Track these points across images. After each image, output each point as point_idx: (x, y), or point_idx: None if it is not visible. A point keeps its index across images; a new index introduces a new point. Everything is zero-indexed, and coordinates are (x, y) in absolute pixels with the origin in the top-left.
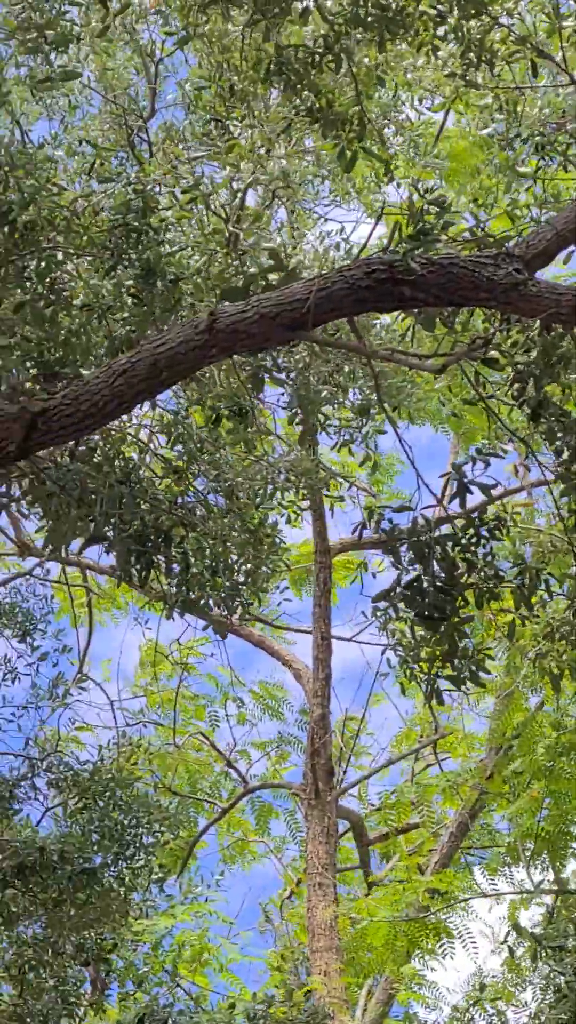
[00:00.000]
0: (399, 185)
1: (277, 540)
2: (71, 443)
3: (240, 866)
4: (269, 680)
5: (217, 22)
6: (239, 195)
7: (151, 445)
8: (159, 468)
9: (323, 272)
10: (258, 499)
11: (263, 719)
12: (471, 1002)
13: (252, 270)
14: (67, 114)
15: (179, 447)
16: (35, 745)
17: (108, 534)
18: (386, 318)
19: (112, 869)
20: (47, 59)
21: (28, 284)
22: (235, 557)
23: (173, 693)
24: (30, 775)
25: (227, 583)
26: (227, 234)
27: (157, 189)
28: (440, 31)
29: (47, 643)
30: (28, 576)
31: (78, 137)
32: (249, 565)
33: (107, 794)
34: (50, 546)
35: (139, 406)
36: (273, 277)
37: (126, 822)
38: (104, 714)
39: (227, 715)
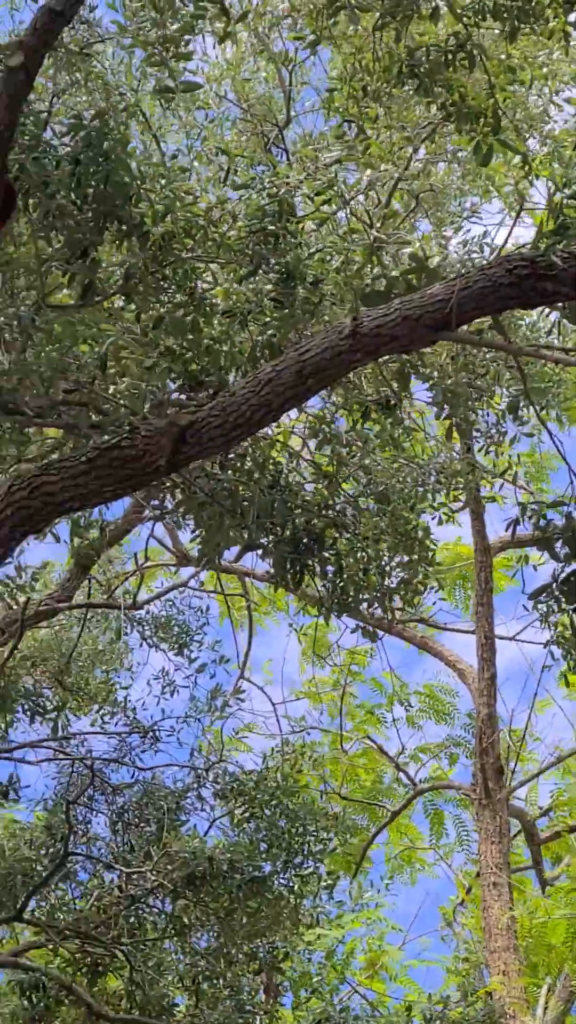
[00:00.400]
0: (536, 177)
1: (429, 542)
2: (221, 454)
3: (409, 874)
4: (434, 682)
5: (347, 25)
6: (374, 194)
7: (301, 450)
8: (309, 472)
9: (465, 271)
10: (411, 502)
11: (430, 722)
12: None
13: (393, 272)
14: (204, 128)
15: (326, 448)
16: (199, 754)
17: (261, 541)
18: (530, 316)
19: (281, 877)
20: (171, 72)
21: (168, 295)
22: (387, 557)
23: (337, 698)
24: (195, 786)
25: (380, 584)
26: (367, 236)
27: (293, 193)
28: (572, 17)
29: (204, 655)
30: (183, 588)
31: (214, 148)
32: (402, 568)
33: (273, 802)
34: (204, 556)
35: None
36: (414, 279)
37: (293, 829)
38: (269, 720)
39: (394, 719)
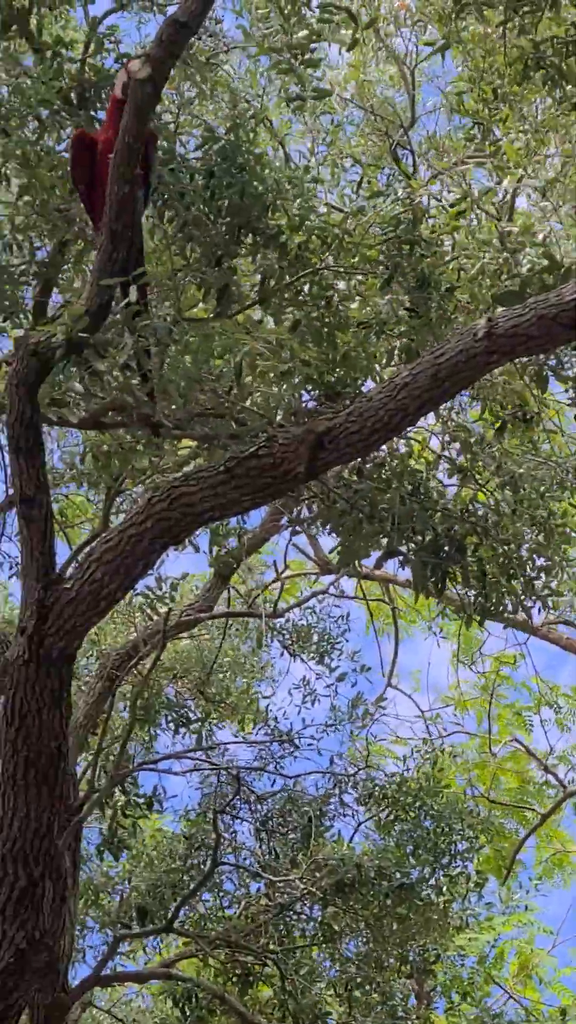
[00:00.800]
0: None
1: (568, 531)
2: (358, 460)
3: (561, 878)
4: None
5: (474, 25)
6: (509, 196)
7: (439, 457)
8: (449, 476)
9: None
10: (544, 490)
11: None
12: None
13: (526, 272)
14: (329, 132)
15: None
16: (341, 760)
17: (401, 548)
18: None
19: (429, 880)
20: (300, 79)
21: (304, 306)
22: (525, 556)
23: (484, 702)
24: (338, 792)
25: (522, 586)
26: (500, 238)
27: (425, 200)
28: None
29: (345, 663)
30: (323, 595)
31: (341, 151)
32: (542, 561)
33: (417, 803)
34: (343, 563)
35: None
36: (549, 277)
37: (438, 830)
38: (416, 726)
39: (542, 721)
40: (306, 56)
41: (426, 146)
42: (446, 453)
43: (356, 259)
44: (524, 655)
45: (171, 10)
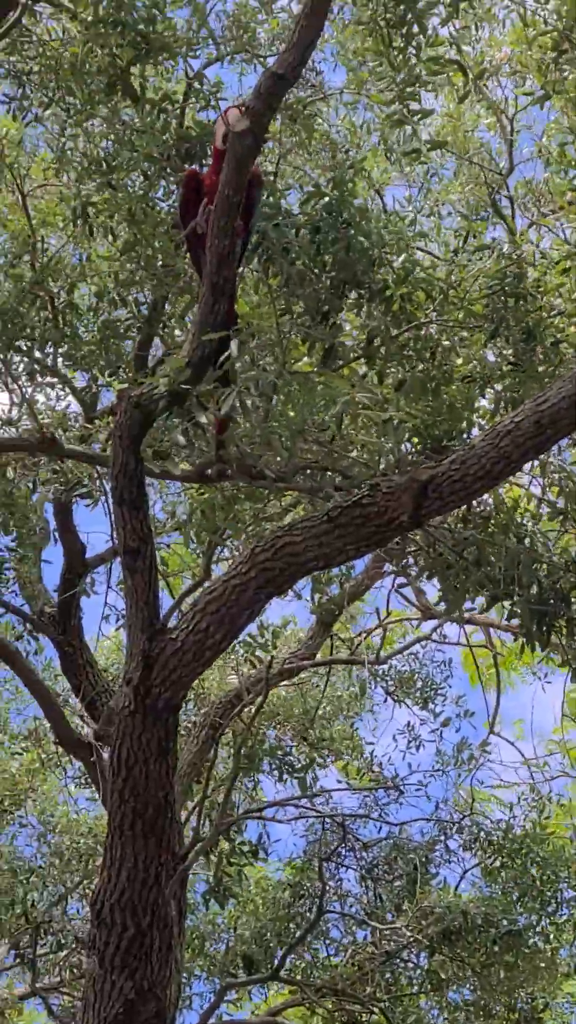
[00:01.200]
0: None
1: None
2: (463, 508)
3: None
4: None
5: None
6: None
7: (541, 497)
8: (553, 524)
9: None
10: None
11: None
12: None
13: None
14: (424, 181)
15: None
16: (447, 806)
17: (506, 598)
18: None
19: (536, 927)
20: (414, 131)
21: (408, 360)
22: None
23: None
24: (443, 839)
25: None
26: None
27: (528, 251)
28: None
29: (449, 708)
30: (427, 640)
31: (438, 200)
32: None
33: (523, 851)
34: (449, 611)
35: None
36: None
37: (544, 877)
38: (521, 771)
39: None
40: (419, 107)
41: (524, 192)
42: (547, 497)
43: (460, 313)
44: None
45: (271, 61)
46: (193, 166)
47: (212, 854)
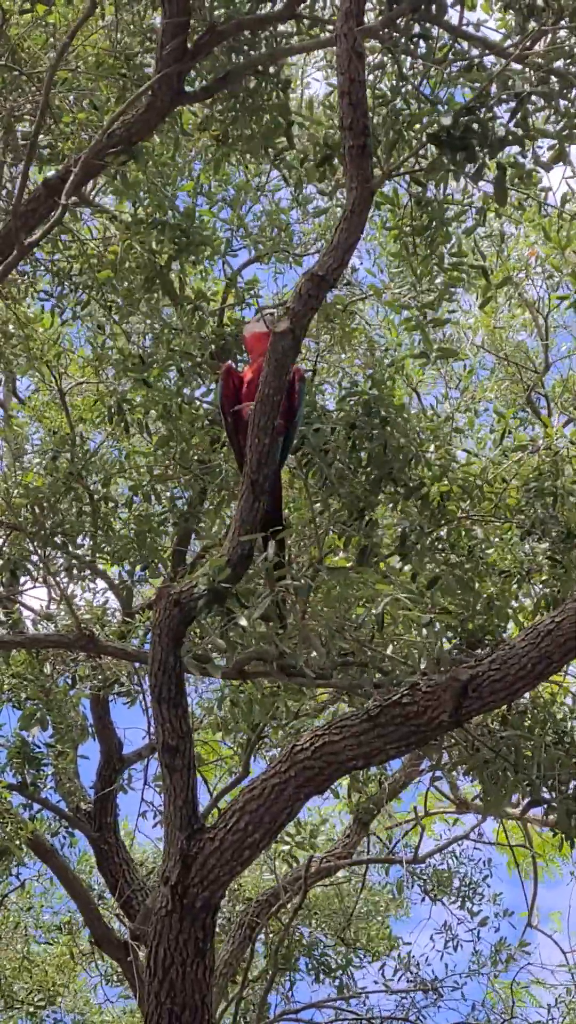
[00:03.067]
0: None
1: None
2: (503, 707)
3: None
4: None
5: None
6: None
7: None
8: None
9: None
10: None
11: None
12: None
13: None
14: (462, 378)
15: None
16: (483, 1008)
17: (545, 796)
18: None
19: None
20: (425, 336)
21: (444, 555)
22: None
23: None
24: None
25: None
26: None
27: (565, 447)
28: None
29: (487, 907)
30: (465, 839)
31: (474, 397)
32: None
33: None
34: (488, 811)
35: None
36: None
37: None
38: (559, 972)
39: None
40: (435, 314)
41: (560, 390)
42: None
43: (496, 507)
44: None
45: (307, 260)
46: (228, 362)
47: None
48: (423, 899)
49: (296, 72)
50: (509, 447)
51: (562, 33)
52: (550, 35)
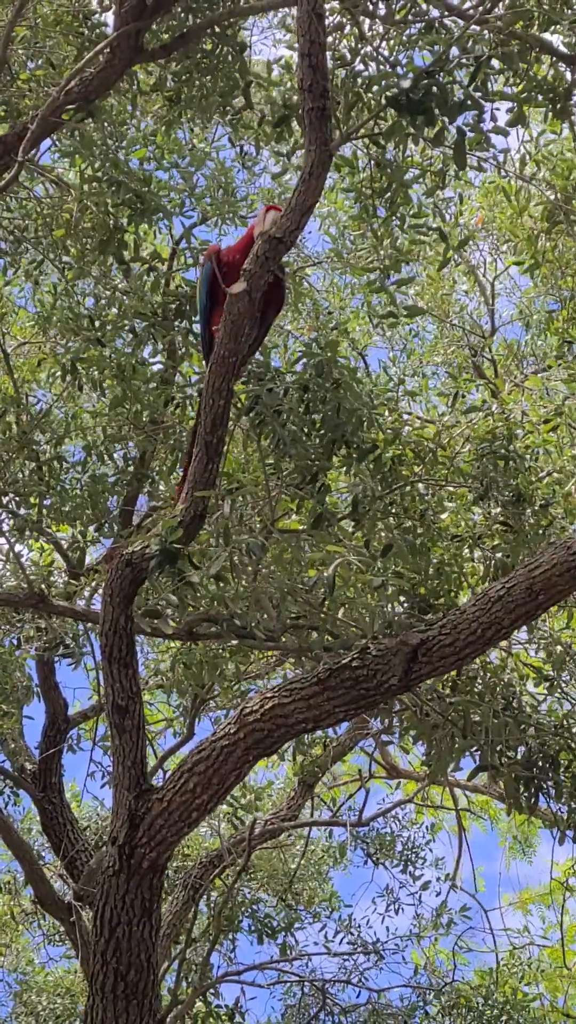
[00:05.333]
0: None
1: None
2: (452, 673)
3: None
4: None
5: (568, 245)
6: None
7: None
8: (535, 681)
9: None
10: None
11: None
12: None
13: None
14: (407, 343)
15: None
16: (426, 971)
17: (492, 768)
18: None
19: None
20: (391, 298)
21: (397, 519)
22: None
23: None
24: (422, 1004)
25: None
26: None
27: (516, 414)
28: None
29: (429, 871)
30: (408, 802)
31: (421, 361)
32: None
33: (503, 1018)
34: (433, 776)
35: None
36: None
37: None
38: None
39: None
40: (397, 276)
41: (506, 354)
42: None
43: (449, 471)
44: None
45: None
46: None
47: (188, 1016)
48: (365, 863)
49: (253, 33)
50: (461, 409)
51: None
52: None
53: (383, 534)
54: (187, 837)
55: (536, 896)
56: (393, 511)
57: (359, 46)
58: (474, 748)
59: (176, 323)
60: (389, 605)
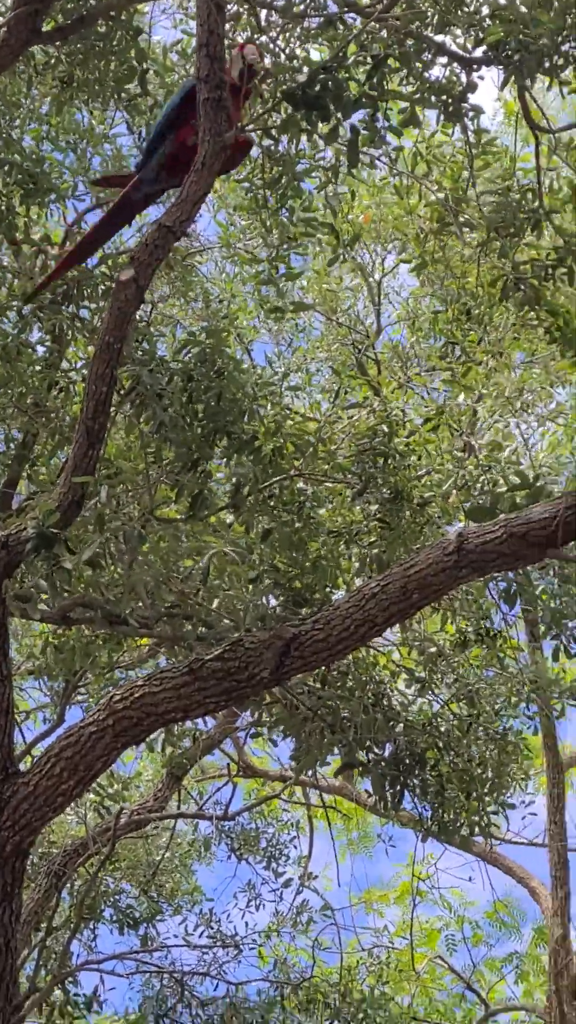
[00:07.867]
0: None
1: (522, 747)
2: (323, 668)
3: None
4: (506, 898)
5: (454, 246)
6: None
7: (400, 663)
8: (405, 682)
9: (573, 491)
10: (499, 707)
11: (500, 940)
12: None
13: (500, 489)
14: (293, 337)
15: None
16: (285, 967)
17: (361, 759)
18: None
19: None
20: (279, 290)
21: (275, 511)
22: (480, 772)
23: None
24: (280, 999)
25: (480, 808)
26: (470, 455)
27: (402, 416)
28: None
29: (292, 868)
30: (276, 797)
31: (306, 356)
32: (493, 775)
33: (360, 1016)
34: (300, 771)
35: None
36: (519, 496)
37: None
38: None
39: (464, 937)
40: (286, 268)
41: (391, 354)
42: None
43: (329, 467)
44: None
45: (151, 209)
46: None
47: (46, 1004)
48: (229, 857)
49: (148, 20)
50: (342, 406)
51: None
52: None
53: (262, 527)
54: (52, 824)
55: (389, 896)
56: (272, 504)
57: (256, 37)
58: (342, 743)
59: (63, 307)
60: (264, 598)
